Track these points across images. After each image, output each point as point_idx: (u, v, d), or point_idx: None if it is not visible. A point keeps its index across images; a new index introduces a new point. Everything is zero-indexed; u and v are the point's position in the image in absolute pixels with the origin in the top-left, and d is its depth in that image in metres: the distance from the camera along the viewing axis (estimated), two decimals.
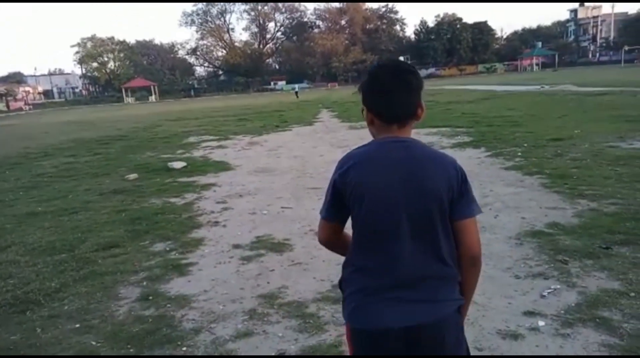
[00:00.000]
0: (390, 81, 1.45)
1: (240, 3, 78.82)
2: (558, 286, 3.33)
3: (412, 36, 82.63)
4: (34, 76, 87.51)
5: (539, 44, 75.22)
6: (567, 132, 9.92)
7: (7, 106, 59.33)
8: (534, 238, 4.31)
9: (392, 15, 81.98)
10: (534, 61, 72.51)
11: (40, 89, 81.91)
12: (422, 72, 73.33)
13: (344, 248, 1.60)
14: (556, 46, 76.31)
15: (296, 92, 43.67)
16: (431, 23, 78.96)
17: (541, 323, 2.89)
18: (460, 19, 77.75)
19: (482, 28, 77.75)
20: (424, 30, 79.43)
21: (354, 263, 1.53)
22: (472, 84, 38.99)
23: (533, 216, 4.92)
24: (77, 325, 3.20)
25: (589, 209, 4.96)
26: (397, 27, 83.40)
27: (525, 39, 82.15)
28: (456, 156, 7.90)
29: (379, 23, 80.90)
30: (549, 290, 3.29)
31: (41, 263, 4.41)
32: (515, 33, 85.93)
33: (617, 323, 2.81)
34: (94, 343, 2.96)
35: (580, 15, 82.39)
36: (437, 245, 1.43)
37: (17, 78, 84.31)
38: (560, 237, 4.25)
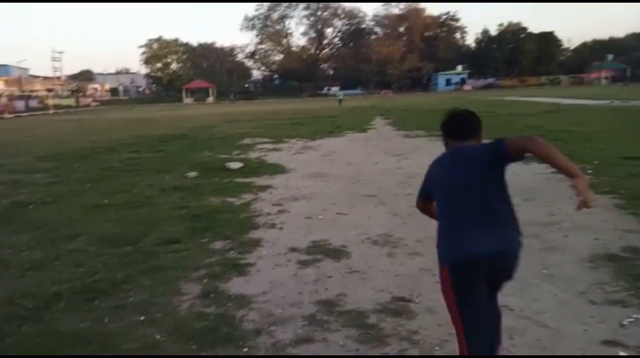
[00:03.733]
0: (458, 120, 2.49)
1: (301, 9, 79.97)
2: None
3: (473, 45, 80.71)
4: (103, 74, 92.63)
5: (610, 56, 71.21)
6: None
7: (77, 102, 62.97)
8: (610, 261, 4.03)
9: (453, 22, 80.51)
10: (603, 74, 68.72)
11: (107, 86, 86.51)
12: (481, 82, 71.65)
13: (433, 214, 2.54)
14: (629, 59, 71.93)
15: (340, 100, 37.94)
16: (494, 32, 76.84)
17: (622, 354, 2.68)
18: (525, 29, 75.17)
19: (548, 38, 74.77)
20: (485, 39, 77.36)
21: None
22: (535, 96, 37.49)
23: (607, 238, 4.61)
24: (142, 318, 3.28)
25: None
26: (457, 35, 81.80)
27: (595, 51, 77.98)
28: (520, 170, 7.58)
29: (438, 31, 79.58)
30: (630, 319, 3.05)
31: (107, 254, 4.59)
32: (584, 44, 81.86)
33: None
34: (158, 336, 3.02)
35: None
36: (503, 194, 2.24)
37: (87, 76, 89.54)
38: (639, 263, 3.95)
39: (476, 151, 2.30)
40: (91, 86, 79.71)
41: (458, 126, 2.46)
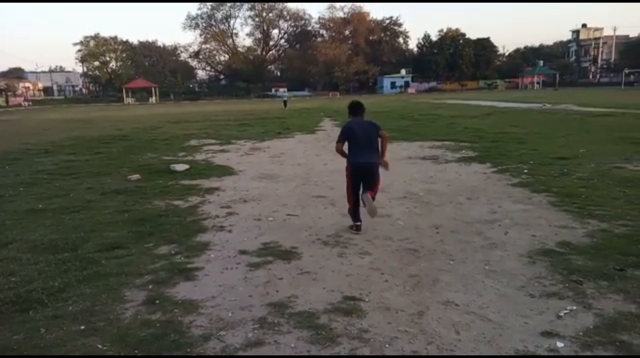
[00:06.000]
0: (356, 106, 5.54)
1: (245, 9, 79.11)
2: (574, 307, 3.28)
3: (415, 49, 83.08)
4: (35, 72, 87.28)
5: (541, 62, 75.71)
6: (572, 151, 9.92)
7: (7, 101, 58.99)
8: (546, 256, 4.26)
9: (396, 27, 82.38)
10: (535, 79, 73.02)
11: (40, 85, 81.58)
12: (424, 86, 73.97)
13: (343, 153, 5.38)
14: (557, 65, 76.83)
15: (284, 101, 35.84)
16: (434, 37, 79.43)
17: (560, 344, 2.83)
18: (463, 35, 78.22)
19: (484, 44, 78.23)
20: (426, 44, 79.80)
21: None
22: (474, 99, 39.15)
23: (543, 234, 4.88)
24: (82, 327, 3.11)
25: (599, 229, 4.92)
26: (400, 40, 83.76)
27: (527, 57, 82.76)
28: (462, 170, 7.92)
29: (382, 35, 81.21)
30: (566, 311, 3.23)
31: (43, 262, 4.32)
32: (517, 51, 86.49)
33: (639, 348, 2.75)
34: (100, 346, 2.87)
35: (582, 36, 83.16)
36: (375, 144, 5.27)
37: (17, 74, 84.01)
38: (573, 257, 4.21)
39: (370, 125, 5.29)
40: (22, 84, 74.87)
41: (356, 109, 5.46)
